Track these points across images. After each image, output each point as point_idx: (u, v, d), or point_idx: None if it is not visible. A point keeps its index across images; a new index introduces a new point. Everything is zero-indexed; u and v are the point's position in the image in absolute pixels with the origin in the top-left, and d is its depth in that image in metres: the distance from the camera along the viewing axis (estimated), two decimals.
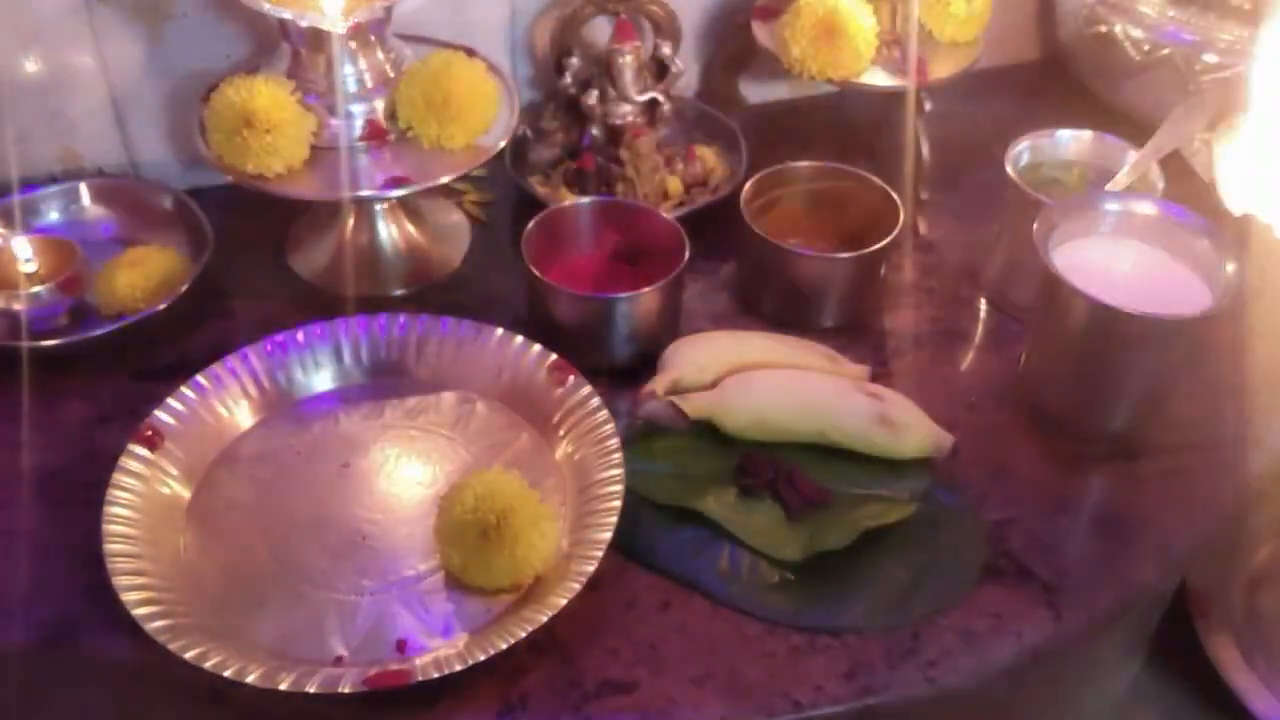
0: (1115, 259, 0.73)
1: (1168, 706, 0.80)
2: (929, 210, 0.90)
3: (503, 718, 0.58)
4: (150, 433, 0.67)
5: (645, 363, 0.74)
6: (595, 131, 0.90)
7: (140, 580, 0.61)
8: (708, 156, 0.93)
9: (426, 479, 0.69)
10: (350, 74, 0.77)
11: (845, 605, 0.63)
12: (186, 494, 0.68)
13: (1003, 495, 0.70)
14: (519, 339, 0.74)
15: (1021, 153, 0.82)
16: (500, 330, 0.74)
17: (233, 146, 0.74)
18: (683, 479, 0.69)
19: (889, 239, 0.77)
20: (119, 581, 0.59)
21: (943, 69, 0.87)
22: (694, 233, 0.77)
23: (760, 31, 0.90)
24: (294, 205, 0.85)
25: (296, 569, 0.64)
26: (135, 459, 0.66)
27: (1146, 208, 0.74)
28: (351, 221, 0.84)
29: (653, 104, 0.90)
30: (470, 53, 0.81)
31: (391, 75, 0.78)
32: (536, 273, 0.74)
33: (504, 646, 0.58)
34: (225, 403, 0.71)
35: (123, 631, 0.58)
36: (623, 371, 0.75)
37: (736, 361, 0.73)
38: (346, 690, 0.56)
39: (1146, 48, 0.89)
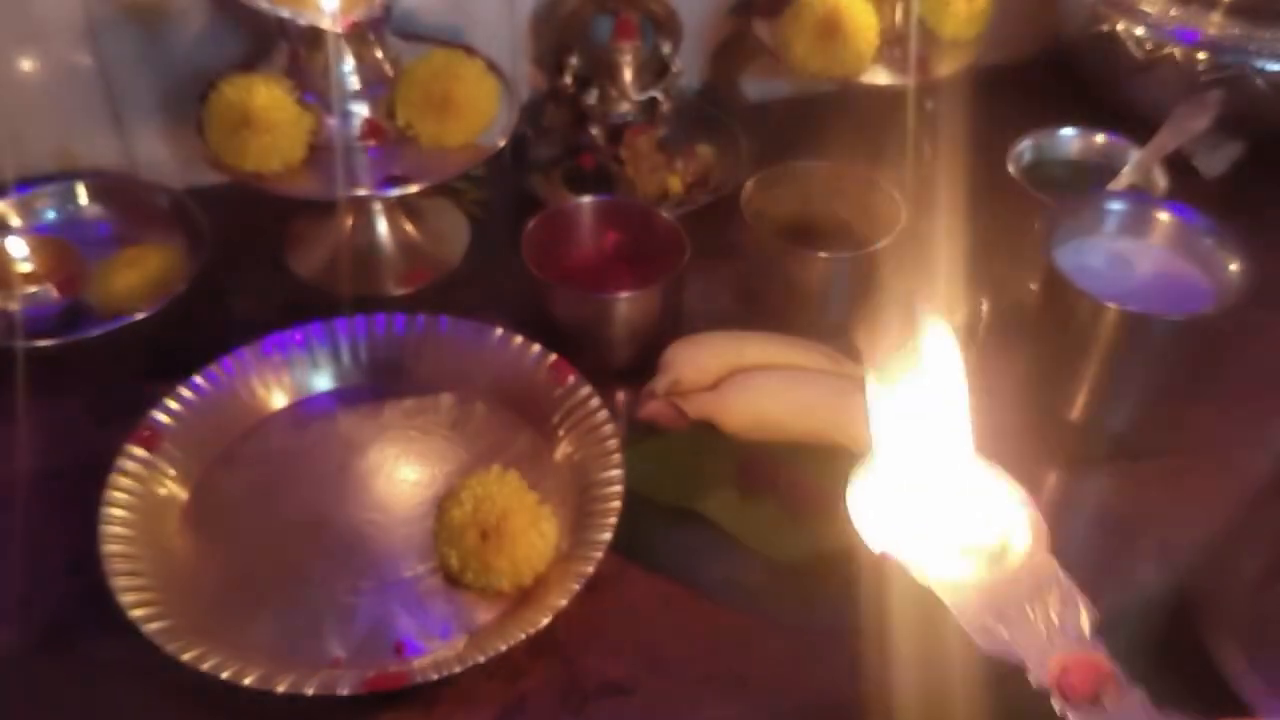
0: (1117, 258, 0.73)
1: (1168, 706, 0.80)
2: (930, 209, 0.89)
3: (502, 719, 0.58)
4: (148, 433, 0.67)
5: (645, 363, 0.74)
6: (595, 131, 0.89)
7: (137, 581, 0.60)
8: (708, 156, 0.92)
9: (426, 479, 0.69)
10: (349, 73, 0.77)
11: (845, 605, 0.63)
12: (185, 494, 0.67)
13: None
14: (519, 339, 0.73)
15: (1023, 152, 0.82)
16: (500, 330, 0.74)
17: (231, 146, 0.73)
18: (683, 479, 0.68)
19: (889, 239, 0.76)
20: (116, 582, 0.59)
21: (944, 67, 0.87)
22: (694, 233, 0.76)
23: (761, 30, 0.90)
24: (293, 205, 0.85)
25: (295, 570, 0.64)
26: (133, 459, 0.66)
27: (1149, 207, 0.74)
28: (350, 221, 0.84)
29: (653, 103, 0.89)
30: (470, 51, 0.80)
31: (390, 74, 0.78)
32: (536, 273, 0.74)
33: (503, 648, 0.57)
34: (223, 403, 0.71)
35: (120, 633, 0.57)
36: (623, 371, 0.75)
37: (736, 361, 0.73)
38: (345, 692, 0.56)
39: (1149, 46, 0.89)
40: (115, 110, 0.86)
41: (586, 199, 0.81)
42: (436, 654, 0.59)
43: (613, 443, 0.67)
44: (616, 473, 0.66)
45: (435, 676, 0.56)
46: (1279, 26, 0.86)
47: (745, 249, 0.81)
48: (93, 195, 0.85)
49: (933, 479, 0.50)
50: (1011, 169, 0.79)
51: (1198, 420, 0.74)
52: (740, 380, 0.71)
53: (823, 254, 0.76)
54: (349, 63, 0.77)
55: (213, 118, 0.74)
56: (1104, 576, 0.66)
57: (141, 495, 0.65)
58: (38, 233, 0.80)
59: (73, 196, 0.84)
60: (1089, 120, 0.84)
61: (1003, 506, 0.49)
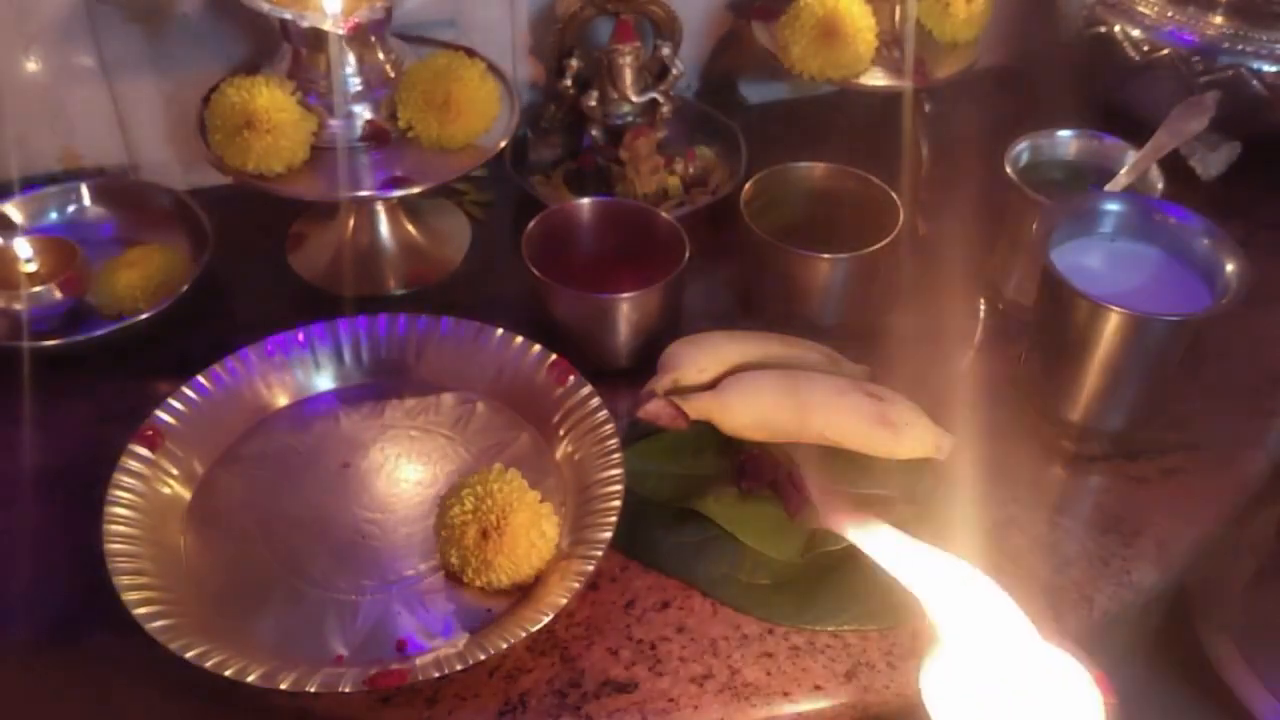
0: (1115, 259, 0.73)
1: (1168, 706, 0.80)
2: (929, 210, 0.90)
3: (503, 718, 0.58)
4: (151, 432, 0.67)
5: (645, 363, 0.74)
6: (595, 132, 0.90)
7: (140, 580, 0.61)
8: (708, 156, 0.93)
9: (426, 479, 0.70)
10: (351, 74, 0.77)
11: (845, 605, 0.63)
12: (187, 494, 0.68)
13: (1003, 495, 0.70)
14: (519, 339, 0.74)
15: (1021, 153, 0.82)
16: (500, 330, 0.74)
17: (233, 147, 0.74)
18: (683, 479, 0.69)
19: (889, 239, 0.77)
20: (119, 581, 0.59)
21: (942, 69, 0.87)
22: (694, 233, 0.77)
23: (760, 32, 0.90)
24: (294, 205, 0.85)
25: (297, 569, 0.64)
26: (136, 459, 0.66)
27: (1146, 208, 0.74)
28: (352, 221, 0.85)
29: (653, 104, 0.90)
30: (470, 53, 0.81)
31: (392, 75, 0.79)
32: (536, 273, 0.74)
33: (504, 646, 0.58)
34: (225, 403, 0.71)
35: (124, 631, 0.57)
36: (623, 371, 0.75)
37: (736, 361, 0.73)
38: (347, 690, 0.56)
39: (1146, 48, 0.89)
40: (118, 111, 0.86)
41: (586, 199, 0.81)
42: (438, 652, 0.59)
43: (613, 443, 0.68)
44: (616, 472, 0.66)
45: (437, 674, 0.57)
46: (1275, 28, 0.86)
47: (745, 249, 0.81)
48: (96, 196, 0.85)
49: (1004, 668, 0.50)
50: (1009, 170, 0.79)
51: (1195, 420, 0.75)
52: (740, 380, 0.71)
53: (822, 254, 0.76)
54: (351, 64, 0.77)
55: (215, 119, 0.75)
56: (1102, 574, 0.66)
57: (145, 495, 0.65)
58: (41, 233, 0.80)
59: (76, 197, 0.85)
60: (1086, 121, 0.84)
61: (1074, 694, 0.50)
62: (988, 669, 0.50)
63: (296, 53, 0.77)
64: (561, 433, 0.71)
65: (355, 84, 0.77)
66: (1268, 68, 0.86)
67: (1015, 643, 0.50)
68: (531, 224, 0.77)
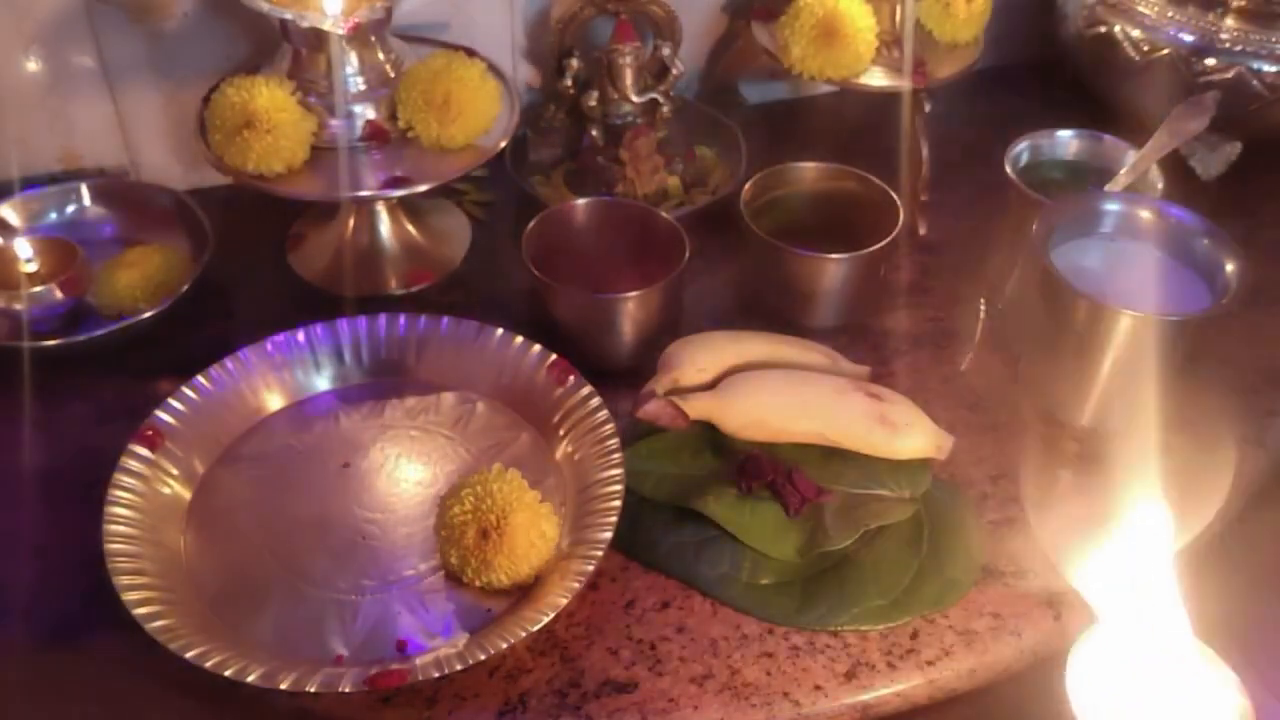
0: (1114, 259, 0.73)
1: None
2: (929, 210, 0.90)
3: (503, 718, 0.58)
4: (151, 432, 0.67)
5: (645, 363, 0.74)
6: (595, 132, 0.90)
7: (140, 580, 0.61)
8: (708, 156, 0.93)
9: (426, 479, 0.70)
10: (351, 74, 0.77)
11: (845, 605, 0.63)
12: (187, 494, 0.68)
13: (1003, 495, 0.70)
14: (519, 339, 0.74)
15: (1021, 153, 0.82)
16: (500, 330, 0.74)
17: (233, 147, 0.74)
18: (683, 479, 0.69)
19: (889, 239, 0.77)
20: (119, 581, 0.59)
21: (942, 69, 0.87)
22: (694, 233, 0.77)
23: (760, 32, 0.90)
24: (294, 205, 0.85)
25: (297, 569, 0.64)
26: (136, 459, 0.66)
27: (1146, 208, 0.74)
28: (352, 221, 0.85)
29: (653, 104, 0.90)
30: (470, 53, 0.81)
31: (392, 75, 0.79)
32: (536, 273, 0.74)
33: (504, 646, 0.58)
34: (226, 403, 0.71)
35: (124, 631, 0.58)
36: (623, 371, 0.75)
37: (736, 361, 0.73)
38: (347, 689, 0.56)
39: (1146, 48, 0.89)
40: (118, 111, 0.86)
41: (586, 199, 0.81)
42: (438, 652, 0.59)
43: (613, 443, 0.68)
44: (616, 472, 0.66)
45: (437, 674, 0.57)
46: (1275, 28, 0.86)
47: (745, 249, 0.81)
48: (96, 196, 0.85)
49: (1149, 659, 0.51)
50: (1009, 170, 0.79)
51: (1195, 420, 0.75)
52: (740, 380, 0.71)
53: (822, 254, 0.76)
54: (351, 64, 0.77)
55: (215, 119, 0.75)
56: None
57: (145, 495, 0.65)
58: (42, 233, 0.80)
59: (76, 197, 0.85)
60: (1086, 121, 0.84)
61: (1215, 692, 0.50)
62: (1137, 659, 0.50)
63: (296, 53, 0.77)
64: (561, 433, 0.71)
65: (355, 84, 0.77)
66: (1268, 68, 0.86)
67: (1167, 637, 0.50)
68: (531, 224, 0.77)
